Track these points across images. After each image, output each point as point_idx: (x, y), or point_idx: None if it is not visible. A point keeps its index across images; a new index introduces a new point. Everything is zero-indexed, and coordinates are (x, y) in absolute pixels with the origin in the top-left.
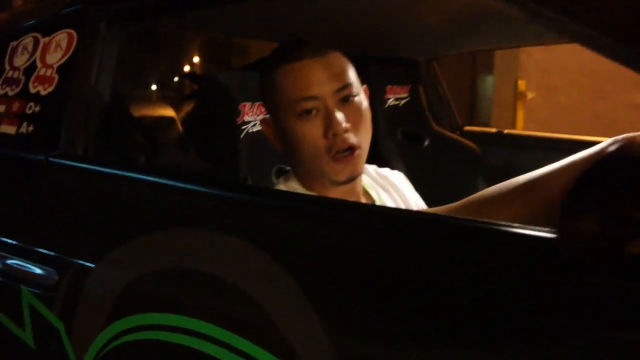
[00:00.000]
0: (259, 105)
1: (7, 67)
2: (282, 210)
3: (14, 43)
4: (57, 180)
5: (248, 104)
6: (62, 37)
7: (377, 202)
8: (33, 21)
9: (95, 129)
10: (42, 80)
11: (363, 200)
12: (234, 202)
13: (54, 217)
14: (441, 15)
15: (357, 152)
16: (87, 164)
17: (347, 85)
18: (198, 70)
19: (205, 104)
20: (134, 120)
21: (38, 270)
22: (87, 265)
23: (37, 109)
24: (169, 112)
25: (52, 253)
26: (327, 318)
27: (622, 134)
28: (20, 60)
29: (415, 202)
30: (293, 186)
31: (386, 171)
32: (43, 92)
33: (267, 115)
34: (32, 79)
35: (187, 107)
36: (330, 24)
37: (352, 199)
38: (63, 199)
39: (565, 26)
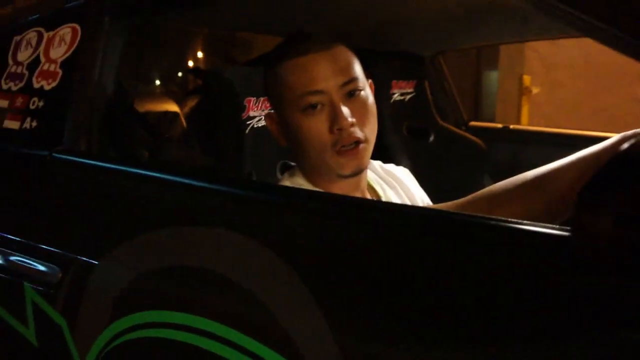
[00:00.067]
0: (263, 100)
1: (10, 62)
2: (287, 207)
3: (17, 38)
4: (60, 176)
5: (253, 99)
6: (66, 32)
7: (383, 198)
8: (37, 16)
9: (99, 124)
10: (46, 75)
11: (368, 195)
12: (239, 198)
13: (57, 214)
14: (447, 9)
15: (362, 145)
16: (90, 159)
17: (353, 80)
18: (202, 65)
19: (209, 99)
20: (138, 116)
21: (41, 267)
22: (90, 262)
23: (41, 104)
24: (173, 107)
25: (56, 250)
26: (331, 316)
27: (627, 128)
28: (24, 55)
29: (420, 198)
30: (298, 182)
31: (391, 167)
32: (47, 87)
33: (272, 110)
34: (36, 74)
35: (191, 102)
36: (336, 17)
37: (357, 194)
38: (67, 195)
39: (573, 18)
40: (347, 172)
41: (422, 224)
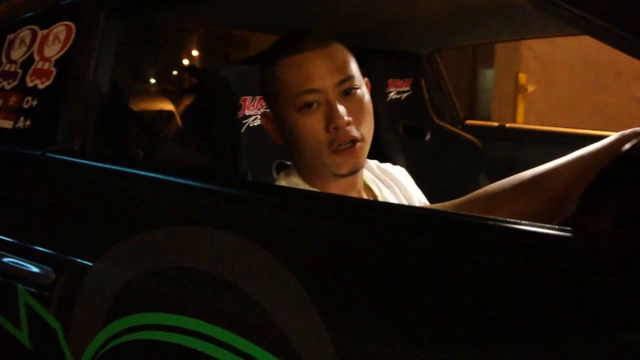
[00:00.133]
0: (259, 99)
1: (4, 60)
2: (283, 207)
3: (11, 36)
4: (54, 176)
5: (249, 98)
6: (60, 30)
7: (379, 198)
8: (31, 13)
9: (94, 124)
10: (40, 73)
11: (364, 195)
12: (235, 198)
13: (51, 214)
14: (446, 7)
15: (358, 144)
16: (85, 159)
17: (349, 78)
18: (197, 64)
19: (205, 97)
20: (133, 115)
21: (35, 269)
22: (84, 264)
23: (35, 103)
24: (168, 106)
25: (49, 251)
26: (328, 316)
27: (624, 127)
28: (18, 54)
29: (417, 197)
30: (294, 181)
31: (388, 166)
32: (40, 86)
33: (267, 109)
34: (30, 72)
35: (187, 101)
36: (332, 15)
37: (354, 193)
38: (60, 195)
39: (575, 17)
40: (343, 171)
41: (419, 224)
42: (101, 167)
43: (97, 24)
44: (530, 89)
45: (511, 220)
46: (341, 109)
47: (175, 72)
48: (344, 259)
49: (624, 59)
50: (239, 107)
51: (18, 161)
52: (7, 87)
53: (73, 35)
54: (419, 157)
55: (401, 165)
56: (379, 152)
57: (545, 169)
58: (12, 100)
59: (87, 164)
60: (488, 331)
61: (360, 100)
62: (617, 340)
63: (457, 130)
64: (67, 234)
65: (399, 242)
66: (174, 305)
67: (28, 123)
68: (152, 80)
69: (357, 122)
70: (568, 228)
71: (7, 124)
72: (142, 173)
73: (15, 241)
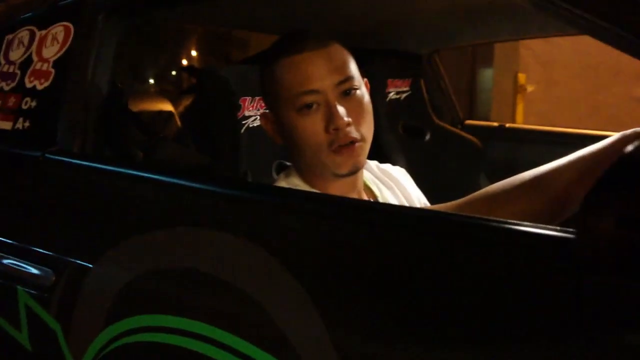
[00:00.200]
0: (259, 99)
1: (2, 61)
2: (283, 208)
3: (9, 36)
4: (53, 177)
5: (248, 99)
6: (58, 30)
7: (379, 198)
8: (29, 14)
9: (93, 125)
10: (38, 74)
11: (364, 196)
12: (235, 199)
13: (50, 216)
14: (446, 7)
15: (358, 143)
16: (84, 160)
17: (349, 79)
18: (197, 64)
19: (204, 98)
20: (132, 115)
21: (34, 270)
22: (84, 265)
23: (34, 104)
24: (167, 106)
25: (49, 252)
26: (328, 317)
27: (624, 127)
28: (16, 54)
29: (417, 198)
30: (294, 182)
31: (388, 167)
32: (39, 87)
33: (267, 110)
34: (28, 73)
35: (186, 101)
36: (331, 15)
37: (354, 194)
38: (60, 197)
39: (575, 17)
40: (343, 171)
41: (419, 224)
42: (101, 168)
43: (95, 24)
44: (530, 88)
45: (512, 221)
46: (341, 109)
47: (174, 73)
48: (344, 260)
49: (623, 59)
50: (238, 107)
51: (17, 162)
52: (6, 88)
53: (71, 36)
54: (419, 158)
55: (401, 166)
56: (379, 153)
57: (546, 169)
58: (11, 101)
59: (86, 165)
60: (488, 331)
61: (360, 101)
62: (618, 340)
63: (457, 131)
64: (67, 235)
65: (399, 243)
66: (175, 307)
67: (27, 124)
68: (152, 81)
69: (357, 122)
70: (570, 229)
71: (6, 125)
72: (142, 174)
73: (15, 243)
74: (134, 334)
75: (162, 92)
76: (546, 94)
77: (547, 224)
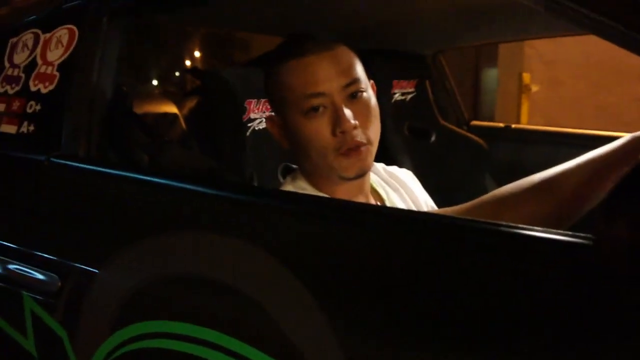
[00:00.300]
0: (264, 102)
1: (7, 64)
2: (290, 212)
3: (13, 39)
4: (58, 182)
5: (254, 101)
6: (62, 33)
7: (386, 201)
8: (33, 17)
9: (98, 128)
10: (43, 78)
11: (371, 199)
12: (242, 203)
13: (55, 220)
14: (448, 7)
15: (365, 147)
16: (89, 164)
17: (355, 81)
18: (200, 66)
19: (208, 100)
20: (137, 118)
21: (40, 276)
22: (90, 271)
23: (38, 107)
24: (172, 109)
25: (54, 258)
26: (336, 322)
27: (628, 127)
28: (20, 58)
29: (424, 201)
30: (301, 185)
31: (395, 169)
32: (44, 91)
33: (273, 113)
34: (33, 76)
35: (190, 104)
36: (336, 17)
37: (361, 197)
38: (65, 201)
39: (581, 16)
40: (350, 174)
41: (426, 228)
42: (106, 172)
43: (100, 27)
44: (534, 88)
45: (522, 225)
46: (348, 112)
47: (178, 75)
48: (352, 264)
49: (628, 59)
50: (243, 110)
51: (22, 167)
52: (11, 91)
53: (76, 39)
54: (425, 159)
55: (407, 167)
56: (384, 154)
57: (555, 172)
58: (16, 105)
59: (91, 169)
60: (496, 339)
61: (366, 104)
62: (634, 346)
63: (463, 132)
64: (73, 240)
65: (406, 247)
66: (181, 313)
67: (32, 128)
68: (156, 83)
69: (364, 125)
70: (583, 235)
71: (11, 129)
72: (148, 178)
73: (20, 248)
74: (141, 340)
75: (166, 95)
76: (550, 94)
77: (556, 228)
